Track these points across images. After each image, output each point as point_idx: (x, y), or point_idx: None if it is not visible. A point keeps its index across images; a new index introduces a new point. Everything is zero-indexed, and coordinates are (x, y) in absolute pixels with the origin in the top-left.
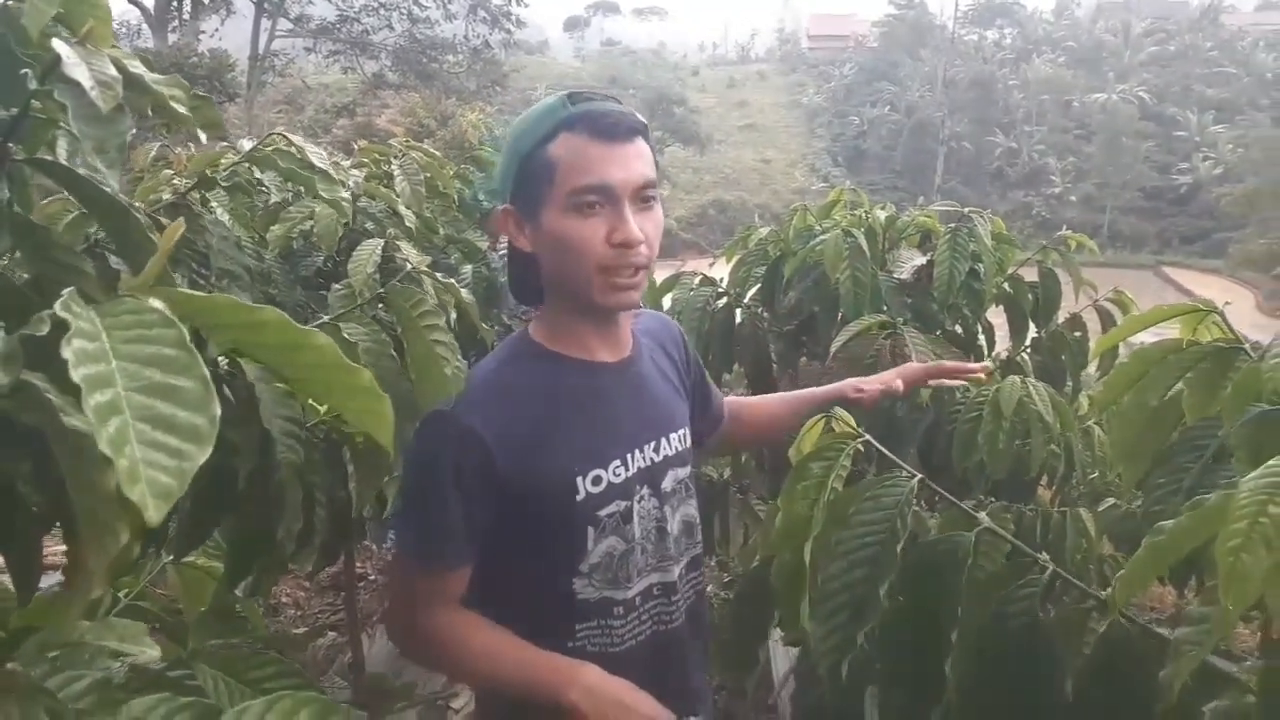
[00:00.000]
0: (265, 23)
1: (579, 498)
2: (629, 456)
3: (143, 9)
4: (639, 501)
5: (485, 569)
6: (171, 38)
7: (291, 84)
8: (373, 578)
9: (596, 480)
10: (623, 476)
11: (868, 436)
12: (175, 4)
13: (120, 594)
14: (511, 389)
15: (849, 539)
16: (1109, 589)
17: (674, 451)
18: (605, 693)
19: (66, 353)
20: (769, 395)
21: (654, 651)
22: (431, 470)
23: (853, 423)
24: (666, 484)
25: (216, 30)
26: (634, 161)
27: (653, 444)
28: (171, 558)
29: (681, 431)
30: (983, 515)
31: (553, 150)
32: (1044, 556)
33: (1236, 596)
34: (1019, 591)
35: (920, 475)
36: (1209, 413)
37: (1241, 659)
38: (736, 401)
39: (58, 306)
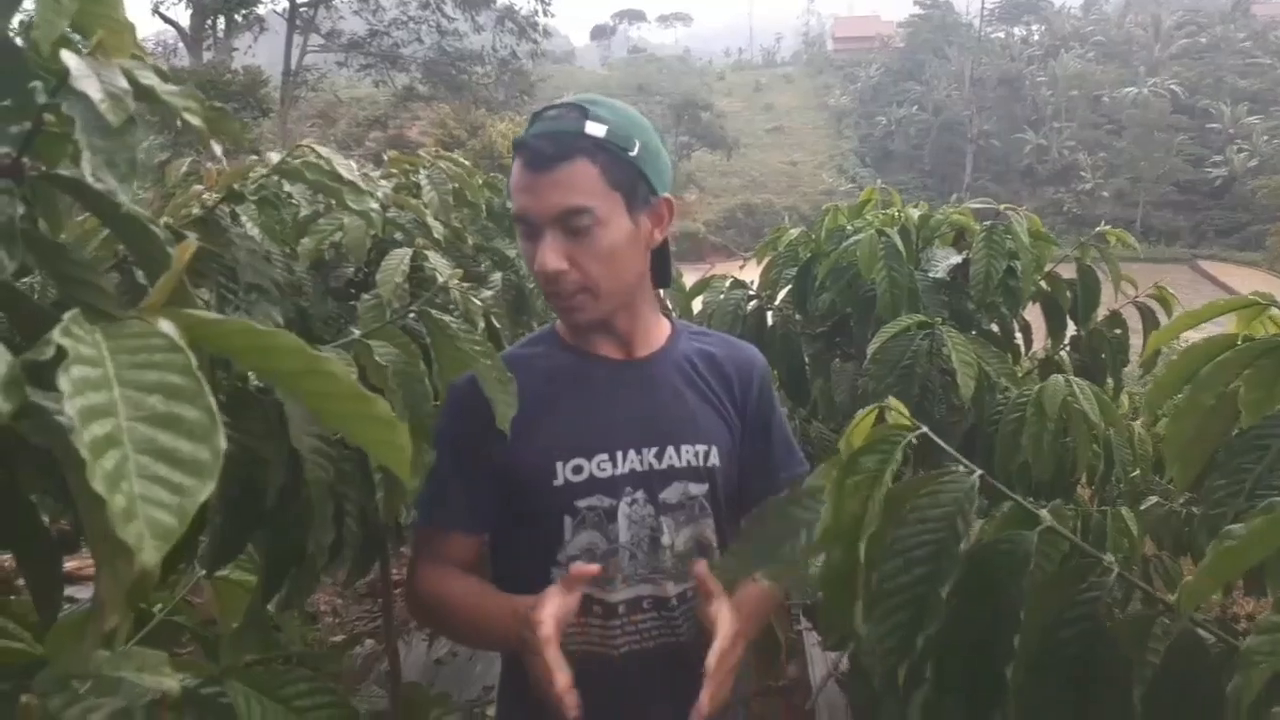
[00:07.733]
0: (297, 39)
1: (556, 483)
2: (619, 454)
3: (178, 28)
4: (630, 504)
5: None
6: (207, 55)
7: (324, 98)
8: None
9: (577, 469)
10: (609, 472)
11: (925, 429)
12: (210, 22)
13: (155, 608)
14: (516, 370)
15: (905, 537)
16: (1174, 594)
17: (684, 464)
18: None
19: (63, 383)
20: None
21: (651, 666)
22: (439, 435)
23: (907, 414)
24: (669, 495)
25: (250, 47)
26: (551, 191)
27: (654, 449)
28: (204, 573)
29: (701, 448)
30: (1044, 513)
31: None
32: (1109, 558)
33: None
34: (1082, 595)
35: (980, 471)
36: (1268, 411)
37: None
38: None
39: (57, 331)
